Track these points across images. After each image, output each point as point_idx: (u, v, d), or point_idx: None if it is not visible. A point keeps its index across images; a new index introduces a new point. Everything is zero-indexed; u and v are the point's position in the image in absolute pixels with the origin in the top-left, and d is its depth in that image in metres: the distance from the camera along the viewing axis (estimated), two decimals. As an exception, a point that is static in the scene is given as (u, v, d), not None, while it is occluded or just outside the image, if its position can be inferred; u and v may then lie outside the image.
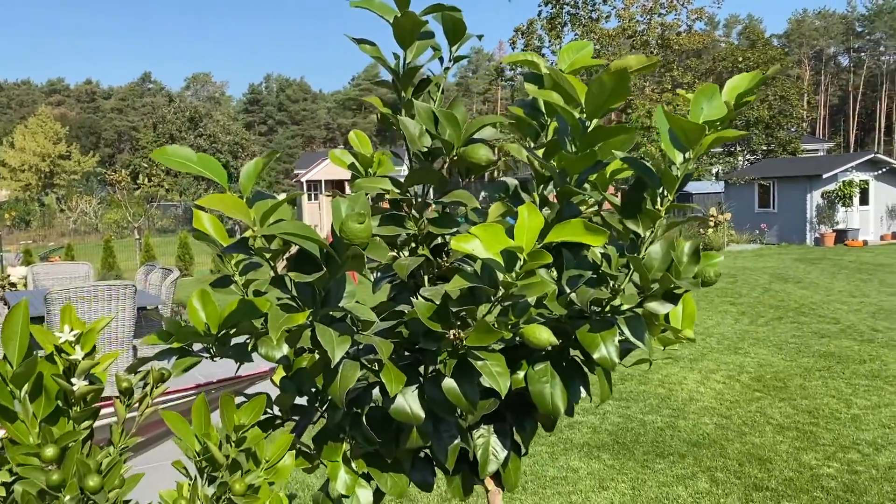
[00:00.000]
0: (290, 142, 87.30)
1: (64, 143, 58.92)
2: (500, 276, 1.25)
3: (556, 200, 2.00)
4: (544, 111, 1.77)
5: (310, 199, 34.29)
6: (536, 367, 1.50)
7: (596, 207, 1.97)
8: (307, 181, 34.11)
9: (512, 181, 1.92)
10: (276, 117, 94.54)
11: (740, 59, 33.04)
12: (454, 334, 1.27)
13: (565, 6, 33.11)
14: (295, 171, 42.32)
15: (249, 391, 1.63)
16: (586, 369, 1.56)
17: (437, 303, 1.33)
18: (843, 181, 23.11)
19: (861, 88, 78.98)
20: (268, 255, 1.26)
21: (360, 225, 1.09)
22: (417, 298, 1.62)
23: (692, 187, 31.33)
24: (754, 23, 78.20)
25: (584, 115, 1.58)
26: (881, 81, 79.03)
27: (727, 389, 6.92)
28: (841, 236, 23.01)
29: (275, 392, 1.59)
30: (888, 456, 5.13)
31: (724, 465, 5.04)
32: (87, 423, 1.14)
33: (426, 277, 1.56)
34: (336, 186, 33.62)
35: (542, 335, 1.29)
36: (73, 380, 1.12)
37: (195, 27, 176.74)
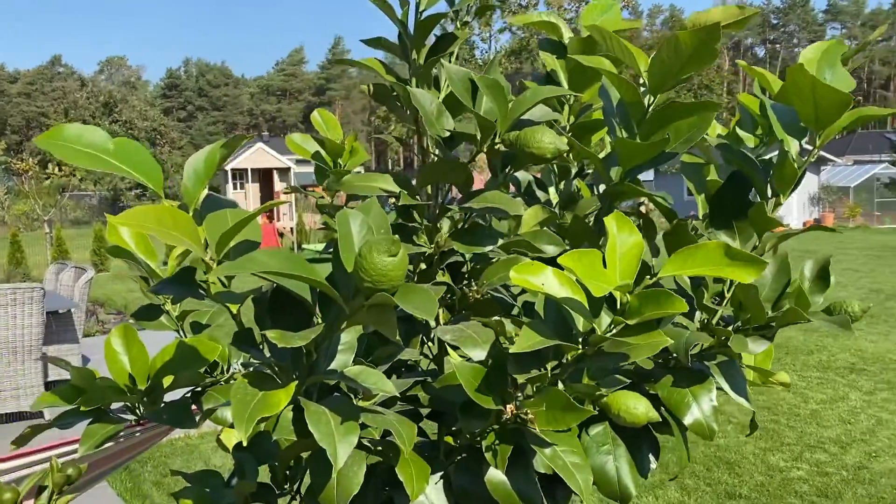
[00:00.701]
0: (211, 128, 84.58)
1: (-34, 130, 55.43)
2: (580, 324, 0.84)
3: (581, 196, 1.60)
4: (566, 85, 1.37)
5: (235, 188, 32.97)
6: (592, 430, 1.10)
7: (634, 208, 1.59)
8: (232, 169, 32.68)
9: (525, 175, 1.52)
10: (195, 103, 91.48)
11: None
12: (511, 411, 0.85)
13: (494, -7, 32.86)
14: (217, 159, 40.73)
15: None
16: (655, 432, 1.17)
17: (475, 359, 0.91)
18: (768, 169, 23.58)
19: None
20: (228, 302, 0.81)
21: (392, 259, 0.66)
22: (426, 339, 1.20)
23: (621, 175, 31.71)
24: (677, 13, 79.92)
25: (645, 89, 1.20)
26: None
27: (681, 385, 6.71)
28: (765, 223, 23.49)
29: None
30: (855, 455, 4.97)
31: (691, 471, 4.78)
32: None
33: (440, 310, 1.13)
34: (263, 176, 32.35)
35: (639, 409, 0.89)
36: None
37: (108, 8, 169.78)
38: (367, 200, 0.83)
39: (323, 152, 1.52)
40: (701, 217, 1.39)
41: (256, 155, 31.76)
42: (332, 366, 0.89)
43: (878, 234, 22.02)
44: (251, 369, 0.88)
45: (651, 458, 1.14)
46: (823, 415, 5.78)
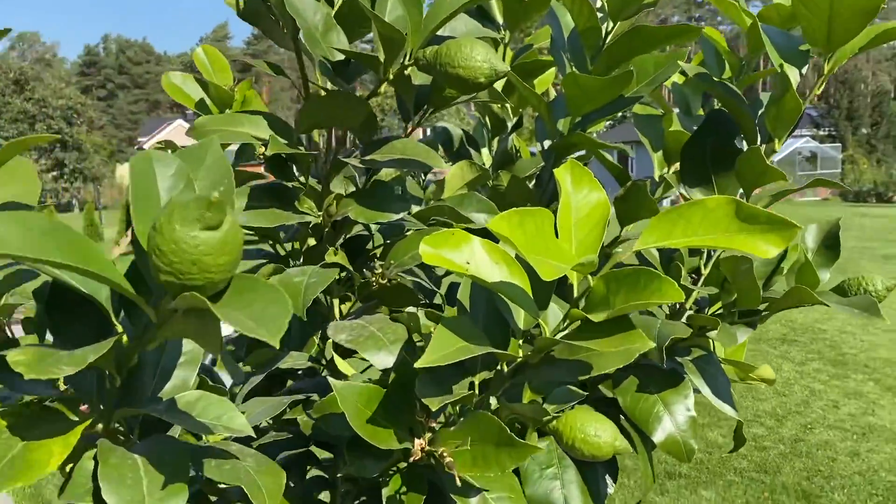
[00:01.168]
0: (133, 107, 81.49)
1: None
2: (520, 319, 0.59)
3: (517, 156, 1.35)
4: (502, 21, 1.12)
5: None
6: (535, 449, 0.85)
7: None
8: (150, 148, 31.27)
9: (456, 130, 1.27)
10: (116, 81, 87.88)
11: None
12: (421, 448, 0.59)
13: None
14: (139, 139, 39.24)
15: None
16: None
17: (380, 366, 0.65)
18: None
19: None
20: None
21: (209, 235, 0.39)
22: (318, 341, 0.92)
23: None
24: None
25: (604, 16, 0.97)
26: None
27: (617, 361, 6.62)
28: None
29: None
30: (791, 428, 4.93)
31: (630, 451, 4.66)
32: None
33: (336, 300, 0.86)
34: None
35: (602, 436, 0.64)
36: None
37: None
38: (202, 141, 0.55)
39: (208, 100, 1.23)
40: (657, 178, 1.16)
41: (176, 132, 30.52)
42: (167, 387, 0.61)
43: (801, 207, 22.58)
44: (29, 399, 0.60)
45: (608, 480, 0.91)
46: (757, 387, 5.74)
